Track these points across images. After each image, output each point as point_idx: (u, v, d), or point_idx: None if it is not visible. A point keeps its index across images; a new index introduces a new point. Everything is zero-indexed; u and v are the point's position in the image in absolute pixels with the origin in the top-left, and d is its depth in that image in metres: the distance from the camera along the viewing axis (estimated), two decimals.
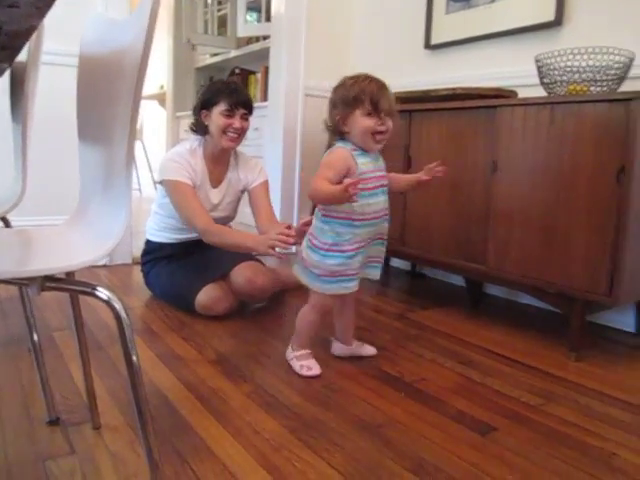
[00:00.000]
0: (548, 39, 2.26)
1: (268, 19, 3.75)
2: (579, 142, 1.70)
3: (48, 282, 0.77)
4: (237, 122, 2.06)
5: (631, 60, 1.77)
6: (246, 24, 4.21)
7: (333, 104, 1.48)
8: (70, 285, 0.94)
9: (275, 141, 3.27)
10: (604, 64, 1.77)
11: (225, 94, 2.05)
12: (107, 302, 0.79)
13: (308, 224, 1.59)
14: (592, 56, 1.77)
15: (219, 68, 4.89)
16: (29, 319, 1.29)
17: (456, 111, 2.09)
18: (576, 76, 1.81)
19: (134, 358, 0.80)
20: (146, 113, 6.02)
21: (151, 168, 5.54)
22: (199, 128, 2.14)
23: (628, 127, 1.58)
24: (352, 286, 1.50)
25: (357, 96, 1.41)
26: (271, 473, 1.08)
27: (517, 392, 1.50)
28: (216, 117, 2.06)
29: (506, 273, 1.94)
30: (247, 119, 2.12)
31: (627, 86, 1.83)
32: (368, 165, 1.47)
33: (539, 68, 1.94)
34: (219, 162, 2.17)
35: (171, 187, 2.02)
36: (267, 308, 2.18)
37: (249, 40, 4.30)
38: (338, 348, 1.70)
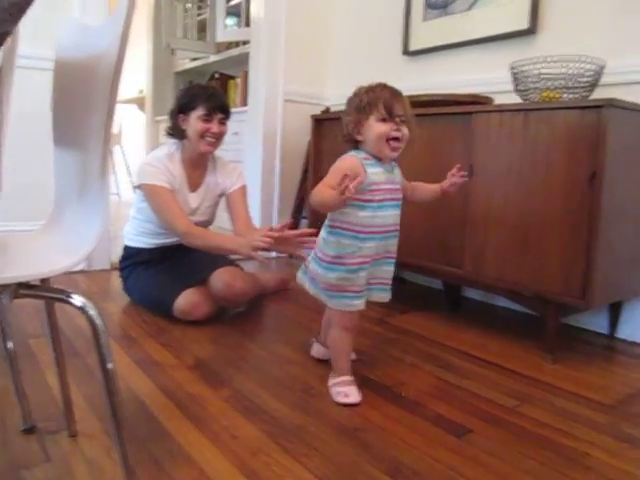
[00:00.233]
0: (523, 47, 2.31)
1: (248, 24, 3.76)
2: (552, 148, 1.74)
3: (22, 289, 0.77)
4: (215, 127, 2.07)
5: (602, 68, 1.82)
6: (225, 29, 4.22)
7: (347, 112, 1.44)
8: (44, 292, 0.93)
9: (254, 146, 3.27)
10: (576, 72, 1.81)
11: (203, 99, 2.05)
12: (81, 309, 0.79)
13: (289, 227, 1.58)
14: (565, 64, 1.81)
15: (199, 73, 4.87)
16: (3, 326, 1.27)
17: (433, 117, 2.12)
18: (549, 83, 1.84)
19: (109, 365, 0.80)
20: (125, 117, 5.97)
21: (130, 172, 5.50)
22: (176, 132, 2.14)
23: (599, 133, 1.61)
24: (358, 304, 1.44)
25: (371, 102, 1.38)
26: (249, 478, 1.08)
27: (493, 394, 1.52)
28: (194, 122, 2.06)
29: (483, 277, 1.97)
30: (225, 123, 2.13)
31: (598, 93, 1.87)
32: (380, 176, 1.41)
33: (514, 75, 1.98)
34: (197, 166, 2.17)
35: (149, 191, 2.01)
36: (246, 313, 2.18)
37: (229, 45, 4.30)
38: (317, 350, 1.70)
